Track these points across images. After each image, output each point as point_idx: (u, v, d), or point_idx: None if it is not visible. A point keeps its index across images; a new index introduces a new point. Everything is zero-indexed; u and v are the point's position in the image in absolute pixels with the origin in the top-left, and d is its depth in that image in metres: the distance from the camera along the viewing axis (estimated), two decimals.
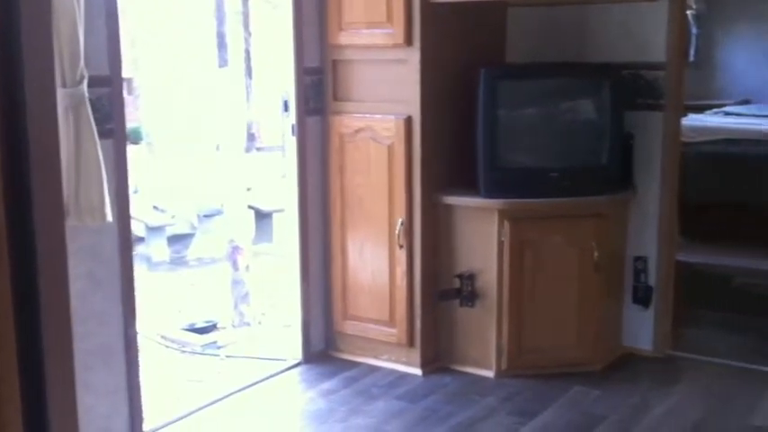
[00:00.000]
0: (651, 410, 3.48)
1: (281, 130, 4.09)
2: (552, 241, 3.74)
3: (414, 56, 3.66)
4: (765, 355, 4.03)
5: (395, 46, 3.69)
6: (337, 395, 3.67)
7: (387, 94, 3.78)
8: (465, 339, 3.87)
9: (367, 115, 3.82)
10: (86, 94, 2.71)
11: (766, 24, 7.92)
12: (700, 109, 7.03)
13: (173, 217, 7.21)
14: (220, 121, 7.19)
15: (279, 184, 4.28)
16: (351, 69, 3.88)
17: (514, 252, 3.70)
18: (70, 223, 2.74)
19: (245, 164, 7.36)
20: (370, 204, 3.85)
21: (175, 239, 7.06)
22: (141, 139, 8.43)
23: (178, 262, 6.77)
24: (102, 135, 2.83)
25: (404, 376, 3.84)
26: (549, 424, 3.37)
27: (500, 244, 3.70)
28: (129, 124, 8.03)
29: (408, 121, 3.70)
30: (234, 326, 4.94)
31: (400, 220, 3.77)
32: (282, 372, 3.92)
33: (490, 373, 3.81)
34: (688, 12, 7.63)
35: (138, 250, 6.62)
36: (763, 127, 6.03)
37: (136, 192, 7.27)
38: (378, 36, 3.73)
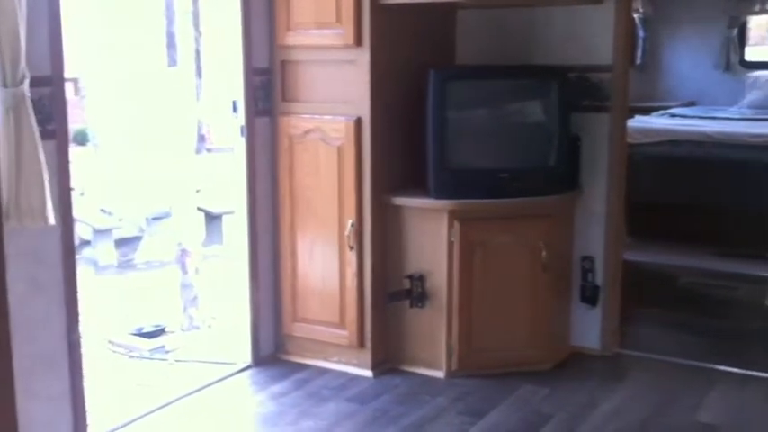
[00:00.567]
0: (599, 408, 3.52)
1: (231, 131, 4.05)
2: (501, 242, 3.76)
3: (363, 57, 3.66)
4: (710, 352, 4.11)
5: (344, 47, 3.68)
6: (287, 398, 3.64)
7: (336, 95, 3.77)
8: (415, 340, 3.88)
9: (316, 116, 3.80)
10: (28, 95, 2.66)
11: (712, 28, 8.09)
12: (646, 111, 7.15)
13: (120, 220, 7.09)
14: (170, 121, 7.09)
15: (229, 186, 4.24)
16: (300, 70, 3.85)
17: (464, 253, 3.71)
18: (10, 226, 2.70)
19: (195, 165, 7.28)
20: (320, 206, 3.84)
21: (123, 242, 6.95)
22: (88, 140, 8.28)
23: (126, 265, 6.67)
24: (44, 136, 2.78)
25: (354, 378, 3.83)
26: (498, 423, 3.39)
27: (450, 245, 3.72)
28: (76, 125, 7.92)
29: (358, 122, 3.70)
30: (183, 330, 4.88)
31: (350, 221, 3.76)
32: (232, 375, 3.89)
33: (440, 374, 3.82)
34: (635, 15, 7.77)
35: (85, 254, 6.51)
36: (706, 129, 6.16)
37: (82, 194, 7.14)
38: (327, 36, 3.71)
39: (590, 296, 4.06)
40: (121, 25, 8.18)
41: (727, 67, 8.10)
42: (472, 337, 3.78)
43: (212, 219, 7.09)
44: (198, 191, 6.93)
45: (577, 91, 3.93)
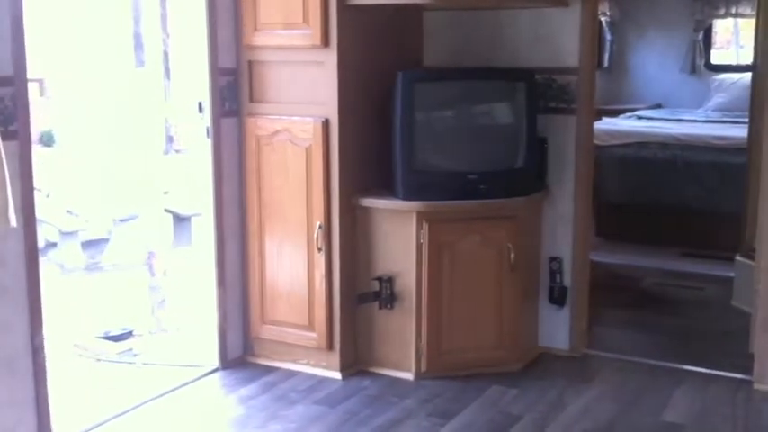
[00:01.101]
0: (567, 408, 3.55)
1: (198, 132, 4.02)
2: (470, 243, 3.77)
3: (331, 57, 3.65)
4: (676, 352, 4.15)
5: (312, 47, 3.66)
6: (256, 401, 3.62)
7: (304, 96, 3.75)
8: (384, 342, 3.87)
9: (284, 117, 3.78)
10: None
11: (678, 31, 8.19)
12: (613, 113, 7.23)
13: (87, 221, 7.01)
14: (138, 122, 7.02)
15: (197, 188, 4.21)
16: (267, 70, 3.84)
17: (433, 254, 3.72)
18: None
19: (163, 166, 7.21)
20: (288, 207, 3.82)
21: (90, 244, 6.87)
22: (54, 141, 8.18)
23: (93, 267, 6.60)
24: (7, 137, 2.75)
25: (323, 380, 3.81)
26: (467, 424, 3.40)
27: (418, 246, 3.72)
28: (42, 127, 7.82)
29: (326, 123, 3.69)
30: (151, 332, 4.83)
31: (318, 223, 3.75)
32: (200, 378, 3.86)
33: (409, 375, 3.82)
34: (602, 18, 7.84)
35: (51, 256, 6.42)
36: (673, 131, 6.23)
37: (48, 196, 7.04)
38: (294, 37, 3.70)
39: (558, 297, 4.09)
40: (88, 26, 8.10)
41: (693, 70, 8.21)
42: (441, 339, 3.79)
43: (181, 220, 7.02)
44: (166, 192, 6.87)
45: (544, 93, 3.96)
